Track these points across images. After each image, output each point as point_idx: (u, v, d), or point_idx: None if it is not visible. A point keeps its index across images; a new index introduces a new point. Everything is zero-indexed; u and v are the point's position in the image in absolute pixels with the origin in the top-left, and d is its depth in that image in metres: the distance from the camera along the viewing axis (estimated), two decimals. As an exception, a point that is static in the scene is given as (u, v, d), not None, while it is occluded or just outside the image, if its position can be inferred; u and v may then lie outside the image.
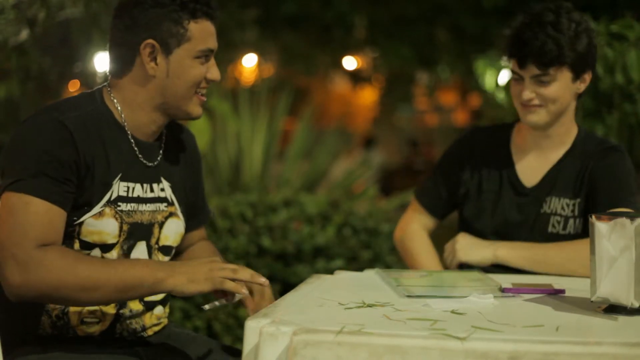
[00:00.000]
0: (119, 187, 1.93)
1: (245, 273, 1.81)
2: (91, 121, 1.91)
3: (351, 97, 17.43)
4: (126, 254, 1.95)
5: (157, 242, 2.01)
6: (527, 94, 2.32)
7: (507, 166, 2.43)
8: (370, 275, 2.11)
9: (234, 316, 3.96)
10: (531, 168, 2.42)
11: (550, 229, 2.35)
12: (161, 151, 2.04)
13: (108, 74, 2.02)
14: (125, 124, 1.96)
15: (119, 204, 1.93)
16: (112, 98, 1.97)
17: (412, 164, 13.50)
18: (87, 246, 1.90)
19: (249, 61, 11.16)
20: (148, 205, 1.98)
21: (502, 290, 1.88)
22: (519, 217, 2.38)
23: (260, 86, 7.21)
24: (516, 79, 2.35)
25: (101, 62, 4.34)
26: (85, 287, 1.79)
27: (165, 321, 2.10)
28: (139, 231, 1.96)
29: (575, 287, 1.92)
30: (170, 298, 2.11)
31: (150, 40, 1.91)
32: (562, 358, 1.41)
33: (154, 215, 2.00)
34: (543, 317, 1.64)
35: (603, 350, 1.41)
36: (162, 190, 2.02)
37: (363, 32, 10.94)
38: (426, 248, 2.52)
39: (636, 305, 1.62)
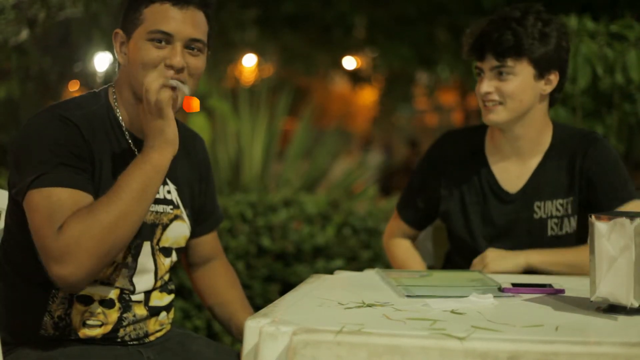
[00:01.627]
0: None
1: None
2: (95, 120, 1.92)
3: (351, 97, 17.42)
4: (133, 253, 1.95)
5: (157, 243, 2.01)
6: (485, 87, 2.30)
7: (486, 174, 2.41)
8: (370, 275, 2.11)
9: (233, 316, 3.96)
10: (511, 173, 2.39)
11: (549, 232, 2.36)
12: None
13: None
14: (122, 121, 1.97)
15: None
16: (114, 96, 1.98)
17: (412, 164, 13.51)
18: None
19: (249, 61, 11.15)
20: (154, 206, 1.98)
21: (502, 290, 1.88)
22: (509, 223, 2.38)
23: (260, 86, 7.21)
24: (479, 74, 2.34)
25: (101, 62, 4.35)
26: (117, 224, 1.76)
27: (168, 327, 2.10)
28: (144, 231, 1.96)
29: (574, 286, 1.92)
30: (174, 302, 2.11)
31: (117, 30, 1.95)
32: (562, 358, 1.41)
33: (159, 217, 1.99)
34: (542, 317, 1.64)
35: (603, 350, 1.41)
36: (169, 192, 2.02)
37: (363, 32, 10.94)
38: (409, 255, 2.55)
39: (636, 305, 1.62)
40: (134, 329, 1.99)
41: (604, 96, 3.35)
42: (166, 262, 2.04)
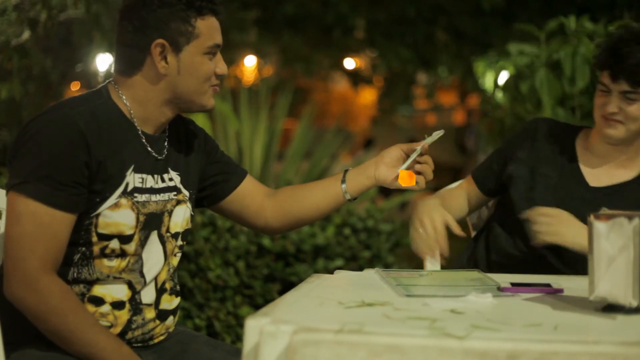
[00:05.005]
0: (134, 179, 1.96)
1: None
2: (100, 114, 1.94)
3: (351, 97, 17.43)
4: (143, 244, 1.98)
5: (167, 230, 2.04)
6: (612, 108, 2.32)
7: (571, 160, 2.43)
8: (370, 275, 2.11)
9: (234, 315, 3.97)
10: (597, 171, 2.41)
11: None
12: (166, 143, 2.06)
13: (114, 72, 2.04)
14: (135, 119, 1.99)
15: (135, 195, 1.95)
16: (120, 95, 1.99)
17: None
18: (105, 238, 1.92)
19: (249, 61, 11.16)
20: (160, 195, 2.01)
21: (501, 289, 1.89)
22: (575, 210, 2.34)
23: (260, 86, 7.21)
24: (603, 90, 2.35)
25: (102, 62, 4.36)
26: (61, 335, 1.86)
27: (172, 329, 2.12)
28: (152, 221, 1.99)
29: (573, 286, 1.92)
30: (179, 307, 2.14)
31: (160, 40, 1.94)
32: (561, 357, 1.42)
33: (164, 205, 2.03)
34: (541, 316, 1.65)
35: (601, 349, 1.42)
36: (171, 179, 2.06)
37: (362, 33, 10.95)
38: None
39: (634, 304, 1.63)
40: (142, 333, 2.01)
41: (603, 96, 3.34)
42: (175, 247, 2.07)
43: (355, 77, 13.04)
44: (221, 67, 2.01)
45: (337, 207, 2.24)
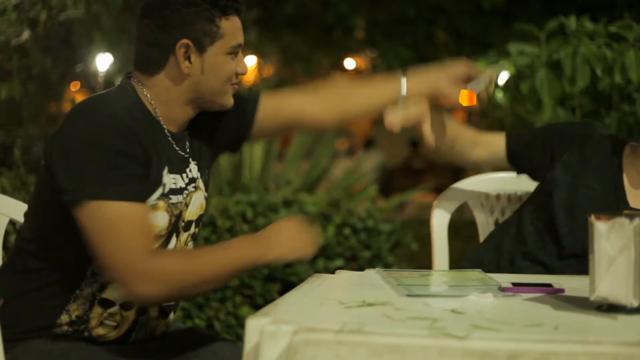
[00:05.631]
0: (169, 180, 1.94)
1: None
2: (134, 114, 1.91)
3: (351, 97, 17.35)
4: (165, 245, 1.96)
5: (182, 220, 2.01)
6: None
7: (616, 176, 2.35)
8: (371, 275, 2.11)
9: (234, 315, 3.97)
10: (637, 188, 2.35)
11: None
12: (187, 140, 2.04)
13: (134, 69, 2.00)
14: (160, 118, 1.97)
15: (170, 196, 1.94)
16: (145, 93, 1.96)
17: (413, 164, 13.49)
18: None
19: (249, 61, 11.16)
20: (184, 192, 1.99)
21: (502, 289, 1.89)
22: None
23: (260, 86, 7.21)
24: None
25: (102, 62, 4.36)
26: (205, 281, 1.85)
27: (171, 326, 2.12)
28: (177, 220, 1.98)
29: (574, 286, 1.92)
30: (179, 303, 2.13)
31: (185, 40, 1.91)
32: (561, 357, 1.42)
33: (185, 199, 2.00)
34: (542, 316, 1.65)
35: (602, 349, 1.42)
36: (190, 170, 2.03)
37: (362, 33, 10.95)
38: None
39: (635, 304, 1.63)
40: (145, 332, 2.01)
41: (602, 96, 3.36)
42: (188, 236, 2.04)
43: (356, 77, 13.04)
44: (242, 66, 2.00)
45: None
